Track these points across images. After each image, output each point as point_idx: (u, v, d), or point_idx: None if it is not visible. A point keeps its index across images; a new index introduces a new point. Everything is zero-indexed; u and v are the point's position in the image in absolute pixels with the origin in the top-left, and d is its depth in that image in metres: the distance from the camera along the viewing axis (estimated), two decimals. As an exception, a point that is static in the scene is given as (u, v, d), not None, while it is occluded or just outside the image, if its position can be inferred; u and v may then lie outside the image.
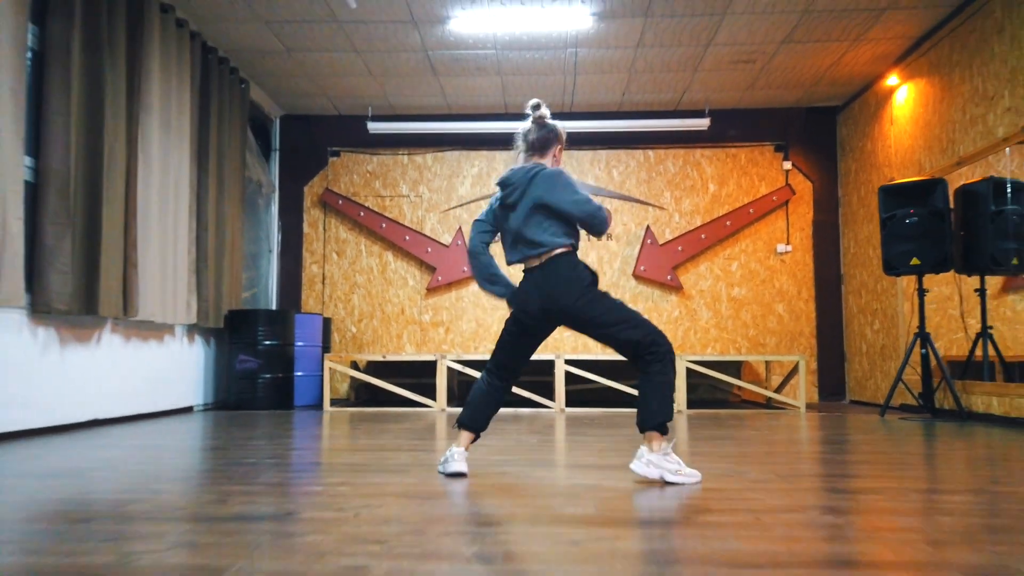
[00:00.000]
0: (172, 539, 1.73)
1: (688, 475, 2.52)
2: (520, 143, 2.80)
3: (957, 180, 5.26)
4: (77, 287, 4.17)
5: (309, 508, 2.10)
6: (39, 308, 3.95)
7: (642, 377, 2.59)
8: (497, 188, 2.77)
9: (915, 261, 5.18)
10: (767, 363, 6.76)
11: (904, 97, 6.06)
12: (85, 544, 1.68)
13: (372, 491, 2.37)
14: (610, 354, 6.36)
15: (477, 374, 5.98)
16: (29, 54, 3.95)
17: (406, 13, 5.34)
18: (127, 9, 4.64)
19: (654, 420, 2.52)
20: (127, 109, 4.63)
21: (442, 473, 2.67)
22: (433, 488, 2.43)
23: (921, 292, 5.23)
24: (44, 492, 2.34)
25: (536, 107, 2.76)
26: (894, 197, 5.34)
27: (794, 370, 6.23)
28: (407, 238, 7.42)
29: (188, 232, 5.48)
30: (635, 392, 5.99)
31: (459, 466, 2.64)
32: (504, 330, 2.74)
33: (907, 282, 5.96)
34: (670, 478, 2.49)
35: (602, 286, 7.27)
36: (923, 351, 5.21)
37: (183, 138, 5.39)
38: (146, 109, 4.88)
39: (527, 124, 2.79)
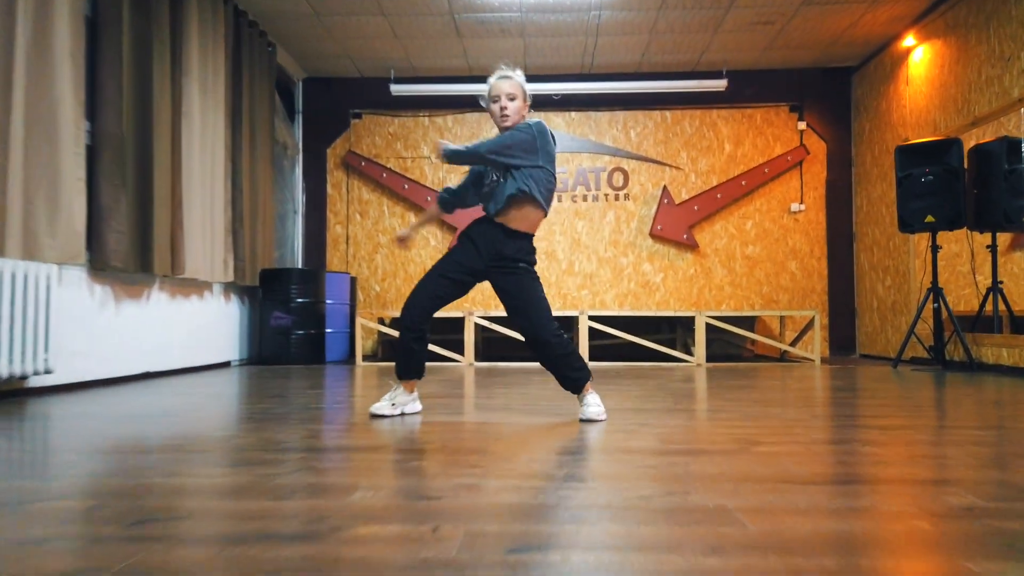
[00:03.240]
0: (292, 465, 1.96)
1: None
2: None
3: (971, 140, 5.43)
4: (132, 245, 4.36)
5: (403, 442, 2.33)
6: (98, 265, 4.15)
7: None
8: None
9: (930, 218, 5.37)
10: (781, 318, 6.99)
11: (920, 58, 6.18)
12: (220, 468, 1.91)
13: (449, 428, 2.60)
14: (626, 310, 6.59)
15: (502, 329, 6.22)
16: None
17: (435, -24, 5.44)
18: (167, -26, 4.75)
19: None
20: (171, 74, 4.77)
21: (405, 414, 2.97)
22: (499, 428, 2.66)
23: (935, 248, 5.43)
24: (156, 429, 2.57)
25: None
26: (910, 156, 5.51)
27: (808, 325, 6.46)
28: (429, 199, 7.58)
29: (224, 193, 5.65)
30: (648, 344, 6.18)
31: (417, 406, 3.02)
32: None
33: (919, 239, 6.15)
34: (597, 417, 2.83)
35: (619, 245, 7.55)
36: (935, 305, 5.43)
37: (219, 101, 5.53)
38: (187, 74, 5.02)
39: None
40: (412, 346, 2.85)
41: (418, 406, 3.04)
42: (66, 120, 3.78)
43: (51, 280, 3.61)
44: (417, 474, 1.84)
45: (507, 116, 2.81)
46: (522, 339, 3.02)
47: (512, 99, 2.81)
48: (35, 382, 3.73)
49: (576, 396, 2.91)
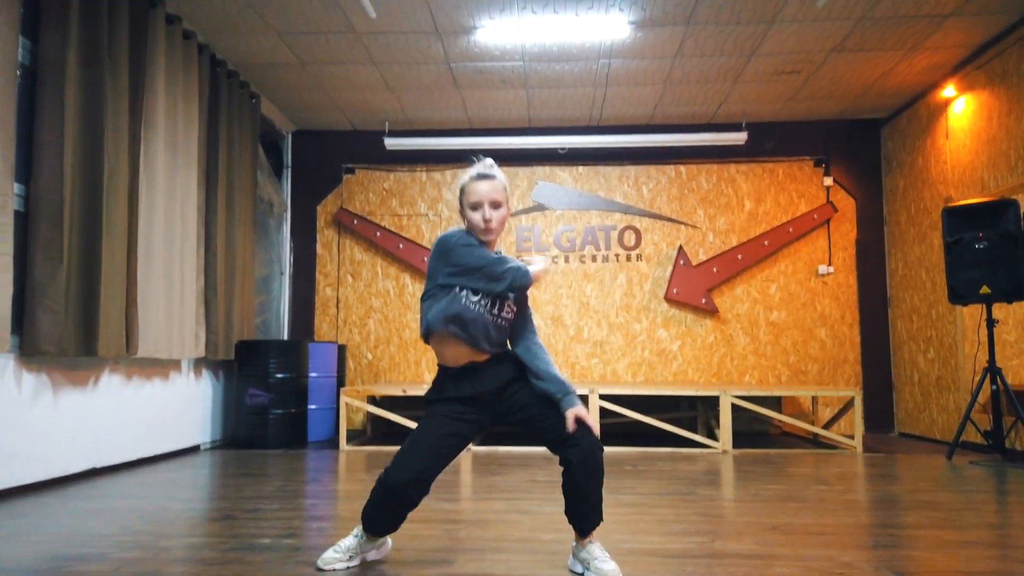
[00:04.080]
0: None
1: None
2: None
3: (1029, 201, 4.83)
4: (72, 326, 3.77)
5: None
6: (27, 351, 3.56)
7: None
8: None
9: (985, 289, 4.76)
10: (814, 397, 6.32)
11: (962, 109, 5.64)
12: None
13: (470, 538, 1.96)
14: (640, 384, 5.94)
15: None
16: (19, 71, 3.57)
17: (429, 23, 4.96)
18: (130, 20, 4.25)
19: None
20: (130, 128, 4.24)
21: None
22: (514, 530, 2.02)
23: (990, 323, 4.81)
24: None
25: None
26: (959, 219, 4.93)
27: (848, 405, 5.79)
28: (425, 259, 7.01)
29: (196, 259, 5.09)
30: (666, 427, 5.51)
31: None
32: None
33: (968, 309, 5.52)
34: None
35: (632, 309, 6.94)
36: (993, 386, 4.78)
37: (191, 158, 5.01)
38: (151, 127, 4.51)
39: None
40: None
41: (387, 548, 2.40)
42: (-11, 185, 3.24)
43: (-41, 375, 3.02)
44: None
45: (492, 230, 2.27)
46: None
47: (496, 207, 2.28)
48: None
49: (577, 539, 2.26)
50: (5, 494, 3.45)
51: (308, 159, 7.24)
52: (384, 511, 2.22)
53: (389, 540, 2.41)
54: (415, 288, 7.07)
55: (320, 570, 2.24)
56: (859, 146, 6.97)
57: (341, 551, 2.26)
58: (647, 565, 2.31)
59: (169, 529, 2.80)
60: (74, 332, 3.80)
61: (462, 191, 2.30)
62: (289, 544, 2.58)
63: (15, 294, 3.46)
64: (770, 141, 6.92)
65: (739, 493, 3.62)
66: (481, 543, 2.59)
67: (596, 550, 2.20)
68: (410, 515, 2.28)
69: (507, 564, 2.32)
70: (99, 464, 4.18)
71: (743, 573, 2.24)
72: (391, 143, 6.78)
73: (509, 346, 2.34)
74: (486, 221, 2.24)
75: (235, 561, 2.35)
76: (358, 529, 2.30)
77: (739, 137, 6.63)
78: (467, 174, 2.31)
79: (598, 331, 6.95)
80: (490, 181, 2.27)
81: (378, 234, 7.07)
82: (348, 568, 2.26)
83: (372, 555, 2.33)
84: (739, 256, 6.86)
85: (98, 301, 3.89)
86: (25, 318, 3.54)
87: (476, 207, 2.26)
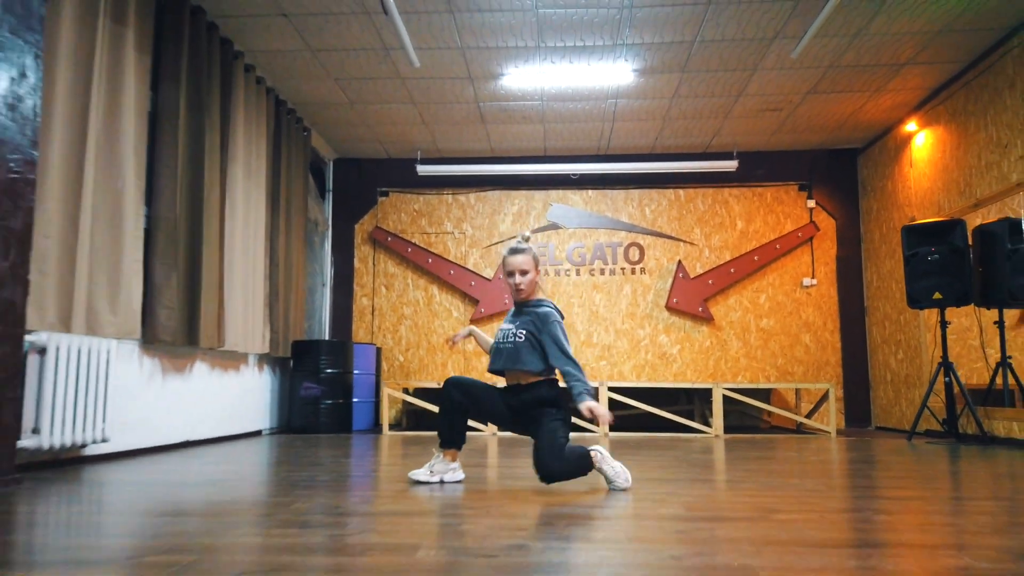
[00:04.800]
0: (355, 527, 2.16)
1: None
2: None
3: (975, 220, 5.69)
4: (180, 321, 4.64)
5: (452, 506, 2.53)
6: (149, 339, 4.42)
7: None
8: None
9: (937, 295, 5.59)
10: (797, 391, 7.14)
11: (923, 142, 6.51)
12: (293, 529, 2.11)
13: (498, 493, 2.79)
14: (644, 381, 6.78)
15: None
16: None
17: (464, 70, 5.87)
18: (220, 71, 5.18)
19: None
20: (220, 161, 5.15)
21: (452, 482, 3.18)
22: (528, 495, 2.85)
23: (943, 324, 5.63)
24: (214, 494, 2.78)
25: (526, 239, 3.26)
26: (916, 236, 5.77)
27: (824, 397, 6.62)
28: (452, 272, 7.89)
29: (264, 268, 5.97)
30: (666, 415, 6.34)
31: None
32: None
33: (929, 314, 6.35)
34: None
35: (636, 317, 7.79)
36: (947, 379, 5.59)
37: (260, 184, 5.90)
38: (233, 160, 5.40)
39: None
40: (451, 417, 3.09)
41: (459, 475, 3.23)
42: (128, 206, 4.12)
43: (110, 354, 3.88)
44: (470, 535, 2.04)
45: (521, 290, 3.12)
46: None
47: (524, 274, 3.11)
48: (92, 450, 3.95)
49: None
50: (124, 455, 4.30)
51: (348, 184, 8.14)
52: (439, 417, 3.14)
53: (461, 471, 3.23)
54: (442, 298, 7.93)
55: (410, 480, 3.09)
56: (838, 173, 7.85)
57: (425, 467, 3.11)
58: (648, 529, 3.13)
59: (244, 493, 3.63)
60: (182, 326, 4.66)
61: (503, 260, 3.18)
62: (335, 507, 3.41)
63: (142, 294, 4.33)
64: (759, 168, 7.81)
65: (730, 460, 4.44)
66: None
67: (605, 468, 3.04)
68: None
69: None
70: (192, 437, 5.03)
71: (745, 526, 3.06)
72: (423, 170, 7.69)
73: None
74: (516, 286, 3.12)
75: (289, 508, 3.19)
76: (436, 447, 3.16)
77: (731, 165, 7.52)
78: (506, 247, 3.20)
79: (606, 336, 7.79)
80: (521, 255, 3.12)
81: (409, 250, 7.95)
82: (429, 483, 3.10)
83: (449, 476, 3.16)
84: (732, 270, 7.71)
85: (199, 301, 4.77)
86: (147, 313, 4.41)
87: (510, 275, 3.13)
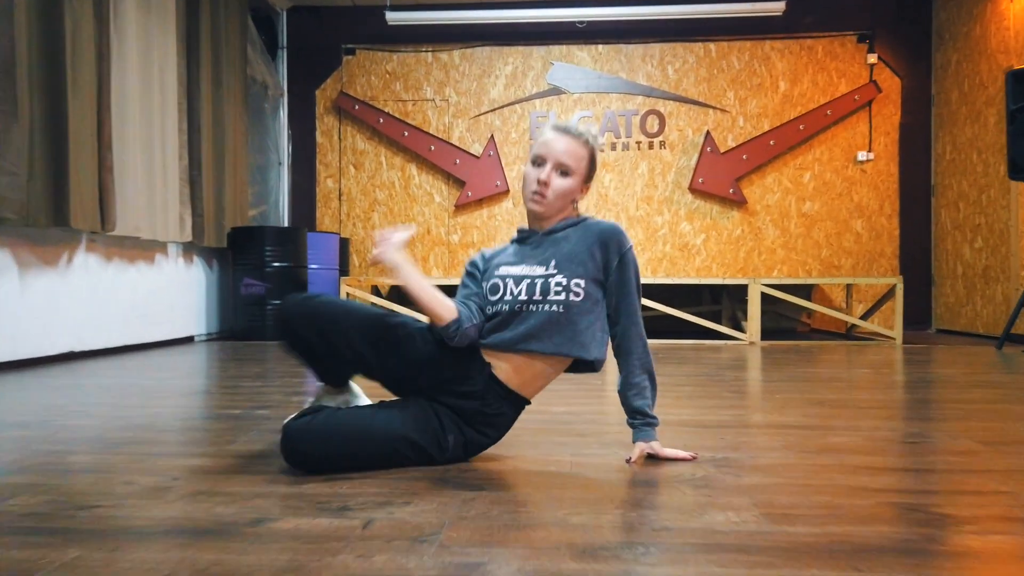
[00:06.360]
0: None
1: None
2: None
3: (1109, 62, 4.28)
4: (38, 192, 3.39)
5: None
6: (-14, 219, 3.20)
7: None
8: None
9: (1053, 162, 4.27)
10: (848, 287, 5.91)
11: (1032, -34, 5.00)
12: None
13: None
14: (661, 277, 5.56)
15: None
16: None
17: None
18: None
19: None
20: (91, -25, 3.75)
21: None
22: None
23: (1055, 200, 4.34)
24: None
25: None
26: (1027, 84, 4.39)
27: (886, 295, 5.38)
28: (432, 148, 6.56)
29: (177, 134, 4.67)
30: (690, 318, 5.14)
31: None
32: None
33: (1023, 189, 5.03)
34: None
35: (653, 201, 6.49)
36: (1054, 272, 4.35)
37: (167, 22, 4.52)
38: (116, -22, 4.01)
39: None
40: None
41: (364, 400, 1.99)
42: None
43: None
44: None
45: (542, 198, 1.71)
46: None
47: (565, 174, 1.71)
48: None
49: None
50: (-31, 373, 3.16)
51: (305, 39, 6.69)
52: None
53: (358, 396, 1.99)
54: (422, 179, 6.63)
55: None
56: (908, 18, 6.32)
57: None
58: (684, 434, 1.95)
59: (136, 401, 2.48)
60: (39, 200, 3.42)
61: (538, 143, 1.75)
62: (261, 414, 2.25)
63: (-37, 151, 3.07)
64: (810, 13, 6.29)
65: (773, 375, 3.27)
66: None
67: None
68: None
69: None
70: (77, 348, 3.88)
71: (795, 440, 1.88)
72: (393, 17, 6.20)
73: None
74: (540, 184, 1.69)
75: (196, 428, 2.03)
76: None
77: (776, 7, 5.99)
78: (549, 125, 1.77)
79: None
80: (572, 139, 1.71)
81: (381, 121, 6.59)
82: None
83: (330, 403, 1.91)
84: (771, 142, 6.33)
85: (67, 168, 3.51)
86: (-22, 181, 3.16)
87: (538, 162, 1.72)
